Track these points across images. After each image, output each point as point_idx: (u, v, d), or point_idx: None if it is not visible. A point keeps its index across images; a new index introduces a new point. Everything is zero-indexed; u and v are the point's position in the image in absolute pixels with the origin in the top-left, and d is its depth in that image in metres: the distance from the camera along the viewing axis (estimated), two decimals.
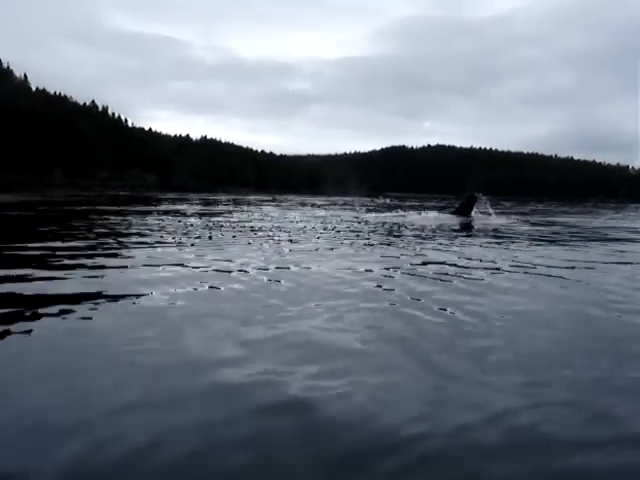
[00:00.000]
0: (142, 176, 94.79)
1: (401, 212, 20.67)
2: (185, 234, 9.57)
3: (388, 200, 53.78)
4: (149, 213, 16.00)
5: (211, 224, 12.32)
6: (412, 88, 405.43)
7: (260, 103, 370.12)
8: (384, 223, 15.16)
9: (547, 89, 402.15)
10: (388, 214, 19.69)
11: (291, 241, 9.08)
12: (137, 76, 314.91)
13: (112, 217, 13.47)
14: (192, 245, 7.92)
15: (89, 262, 6.06)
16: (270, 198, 45.43)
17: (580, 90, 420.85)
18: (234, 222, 13.46)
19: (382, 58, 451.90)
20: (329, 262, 6.60)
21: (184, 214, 16.26)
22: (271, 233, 10.52)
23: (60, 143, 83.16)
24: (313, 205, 30.76)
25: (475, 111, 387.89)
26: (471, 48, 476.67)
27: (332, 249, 8.08)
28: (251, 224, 12.88)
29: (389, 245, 9.14)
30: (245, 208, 23.00)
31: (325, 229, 12.11)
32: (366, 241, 9.60)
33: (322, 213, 20.63)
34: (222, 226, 11.80)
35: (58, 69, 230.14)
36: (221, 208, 22.13)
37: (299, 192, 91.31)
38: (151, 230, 10.12)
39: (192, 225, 11.74)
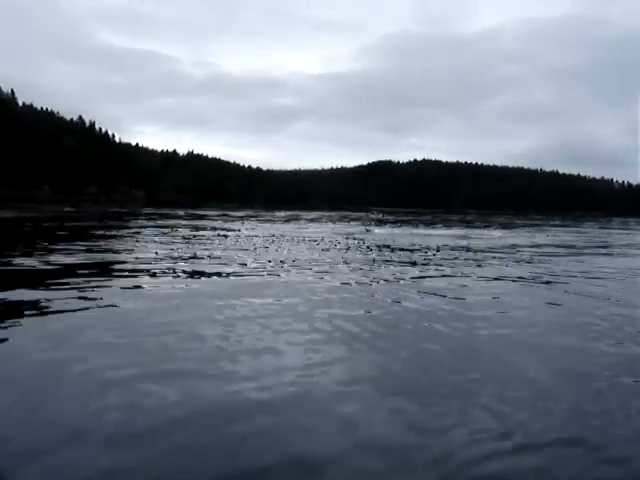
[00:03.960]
0: (130, 191, 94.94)
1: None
2: None
3: (381, 215, 54.93)
4: None
5: None
6: (398, 103, 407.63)
7: (247, 119, 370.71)
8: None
9: (532, 104, 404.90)
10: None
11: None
12: (125, 92, 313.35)
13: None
14: None
15: None
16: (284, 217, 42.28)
17: (564, 105, 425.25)
18: None
19: (367, 74, 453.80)
20: None
21: None
22: None
23: (48, 159, 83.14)
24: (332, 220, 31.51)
25: (461, 126, 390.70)
26: (457, 64, 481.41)
27: None
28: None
29: None
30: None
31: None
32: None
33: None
34: None
35: (45, 85, 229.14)
36: None
37: (287, 207, 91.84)
38: None
39: None
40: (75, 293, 6.33)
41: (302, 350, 4.34)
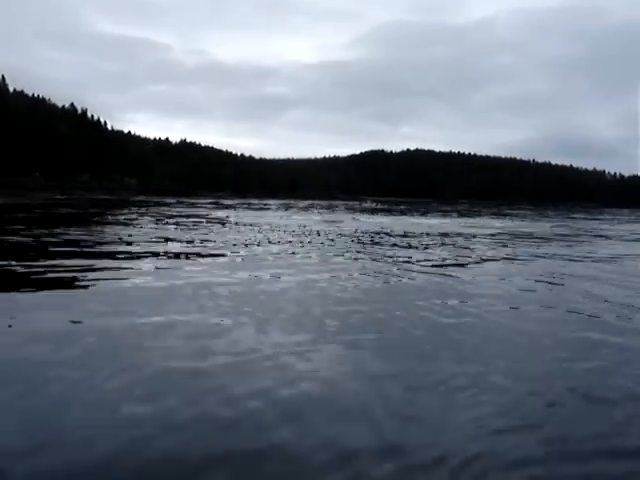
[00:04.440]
0: (122, 179, 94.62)
1: None
2: None
3: (375, 204, 55.44)
4: None
5: None
6: (391, 93, 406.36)
7: (240, 107, 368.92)
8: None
9: (526, 95, 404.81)
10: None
11: None
12: (117, 79, 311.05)
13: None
14: None
15: None
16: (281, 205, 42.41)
17: (558, 96, 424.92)
18: None
19: (361, 63, 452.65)
20: None
21: None
22: None
23: (39, 146, 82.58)
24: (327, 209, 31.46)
25: (454, 116, 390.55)
26: (450, 53, 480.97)
27: None
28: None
29: None
30: None
31: None
32: None
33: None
34: None
35: (37, 71, 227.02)
36: None
37: (280, 195, 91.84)
38: None
39: None
40: (82, 274, 6.33)
41: (317, 320, 4.42)
